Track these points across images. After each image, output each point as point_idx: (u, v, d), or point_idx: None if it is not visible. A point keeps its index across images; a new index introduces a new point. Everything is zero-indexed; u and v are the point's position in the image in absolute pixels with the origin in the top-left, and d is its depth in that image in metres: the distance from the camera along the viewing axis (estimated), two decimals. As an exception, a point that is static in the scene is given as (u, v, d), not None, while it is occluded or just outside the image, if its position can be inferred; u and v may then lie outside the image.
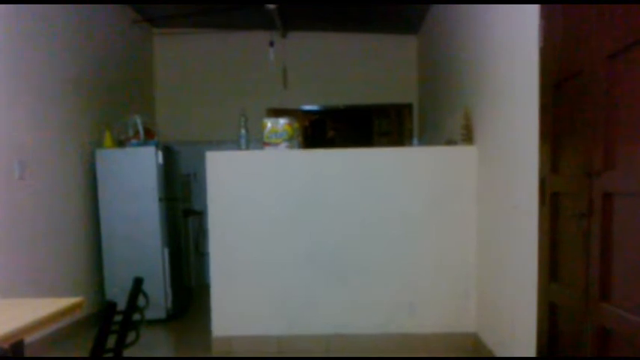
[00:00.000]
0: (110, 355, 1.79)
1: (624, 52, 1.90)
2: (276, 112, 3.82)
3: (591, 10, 2.13)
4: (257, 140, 4.13)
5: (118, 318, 1.81)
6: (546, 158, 2.61)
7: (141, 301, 1.93)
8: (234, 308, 3.99)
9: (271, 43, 6.23)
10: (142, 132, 4.91)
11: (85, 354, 1.61)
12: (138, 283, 1.93)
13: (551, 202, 2.57)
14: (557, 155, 2.51)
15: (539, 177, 2.69)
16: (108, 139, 4.86)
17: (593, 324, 2.11)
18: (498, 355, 3.42)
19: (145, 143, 4.87)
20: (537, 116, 2.70)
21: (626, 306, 1.89)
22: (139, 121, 4.91)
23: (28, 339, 2.89)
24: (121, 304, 1.80)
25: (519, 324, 3.03)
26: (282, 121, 4.00)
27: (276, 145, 3.98)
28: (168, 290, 4.90)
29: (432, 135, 5.72)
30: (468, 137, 3.92)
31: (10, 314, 1.73)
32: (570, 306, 2.36)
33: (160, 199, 4.83)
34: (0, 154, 3.66)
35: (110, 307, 1.73)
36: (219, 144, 4.70)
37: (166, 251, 4.89)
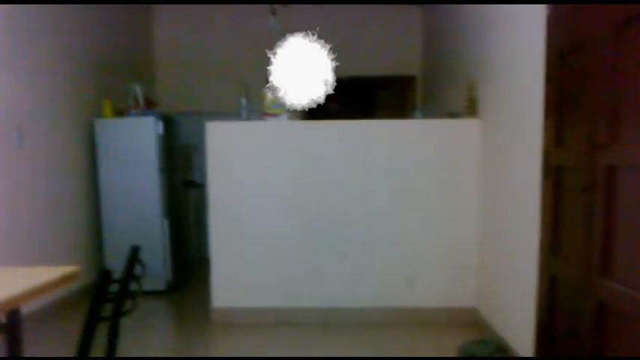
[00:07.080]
0: (107, 323, 1.78)
1: (638, 21, 1.84)
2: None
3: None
4: (258, 112, 4.07)
5: (115, 287, 1.79)
6: (550, 131, 2.56)
7: (138, 269, 1.90)
8: (234, 280, 3.99)
9: (273, 12, 6.10)
10: (141, 101, 4.85)
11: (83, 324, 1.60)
12: (135, 251, 1.91)
13: (554, 175, 2.53)
14: (562, 128, 2.47)
15: (542, 150, 2.64)
16: (107, 108, 4.80)
17: (593, 299, 2.09)
18: (496, 328, 3.42)
19: (145, 113, 4.81)
20: (542, 88, 2.64)
21: (627, 282, 1.87)
22: (138, 90, 4.85)
23: (28, 308, 2.87)
24: (119, 275, 1.78)
25: (519, 298, 3.03)
26: (283, 91, 3.94)
27: (277, 115, 3.93)
28: (168, 262, 4.91)
29: (436, 108, 5.65)
30: (472, 110, 3.86)
31: (5, 282, 1.72)
32: (570, 280, 2.34)
33: (160, 170, 4.80)
34: (-3, 122, 3.63)
35: (105, 274, 1.71)
36: (220, 115, 4.63)
37: (166, 222, 4.89)
